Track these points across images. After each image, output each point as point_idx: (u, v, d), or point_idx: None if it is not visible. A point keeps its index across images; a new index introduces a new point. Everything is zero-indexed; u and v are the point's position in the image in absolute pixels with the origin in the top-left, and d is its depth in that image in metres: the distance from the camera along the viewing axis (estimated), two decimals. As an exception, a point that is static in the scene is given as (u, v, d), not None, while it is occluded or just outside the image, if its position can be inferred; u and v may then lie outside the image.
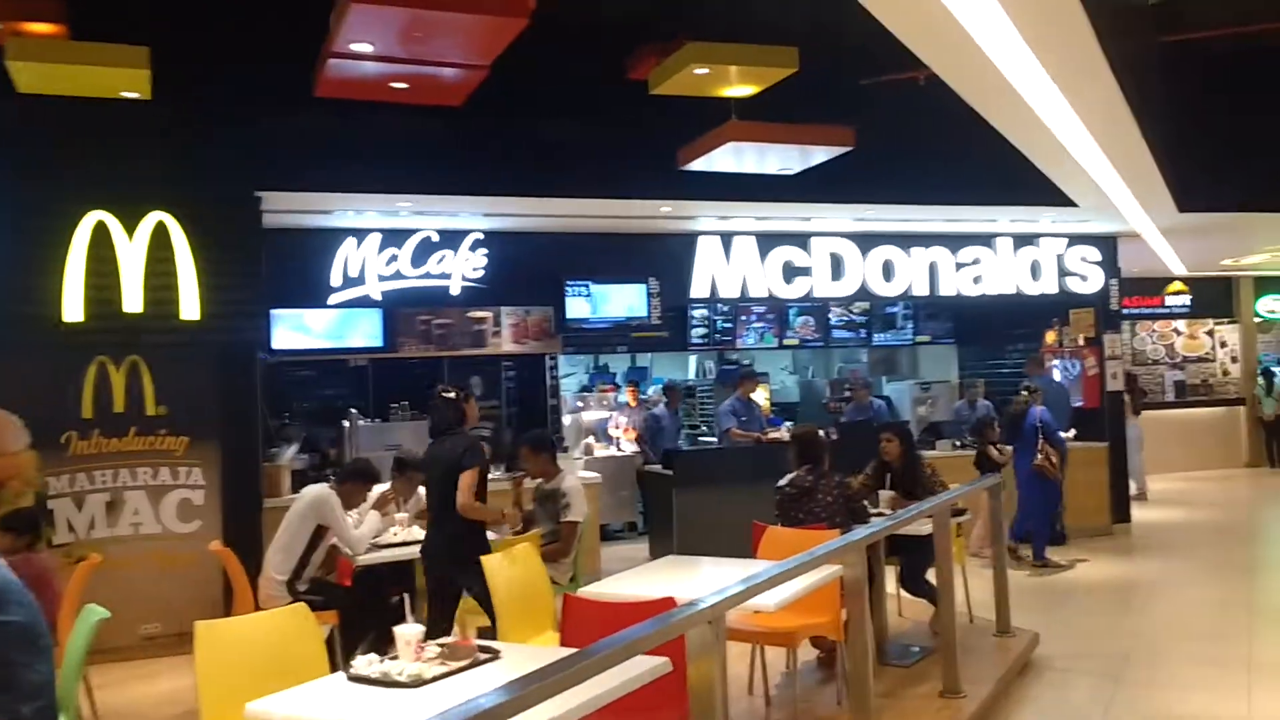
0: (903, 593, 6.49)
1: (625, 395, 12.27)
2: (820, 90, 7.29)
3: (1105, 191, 8.57)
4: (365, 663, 3.24)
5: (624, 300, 9.56)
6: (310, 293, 8.70)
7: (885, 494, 6.31)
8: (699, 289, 9.63)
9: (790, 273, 9.83)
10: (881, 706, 5.02)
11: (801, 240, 9.87)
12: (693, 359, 13.81)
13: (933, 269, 10.23)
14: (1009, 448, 9.09)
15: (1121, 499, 10.76)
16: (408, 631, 3.23)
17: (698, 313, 11.72)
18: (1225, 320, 17.17)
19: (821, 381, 13.89)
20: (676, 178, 7.84)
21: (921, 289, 10.24)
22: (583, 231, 9.29)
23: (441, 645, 3.28)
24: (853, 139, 6.93)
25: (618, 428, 11.51)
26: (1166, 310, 16.83)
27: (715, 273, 9.62)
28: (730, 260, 9.66)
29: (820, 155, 7.18)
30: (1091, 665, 6.11)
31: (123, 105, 6.37)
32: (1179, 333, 17.25)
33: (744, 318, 11.96)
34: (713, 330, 11.88)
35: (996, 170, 8.38)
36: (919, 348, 13.38)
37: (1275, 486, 13.97)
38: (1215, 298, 16.93)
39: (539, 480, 6.36)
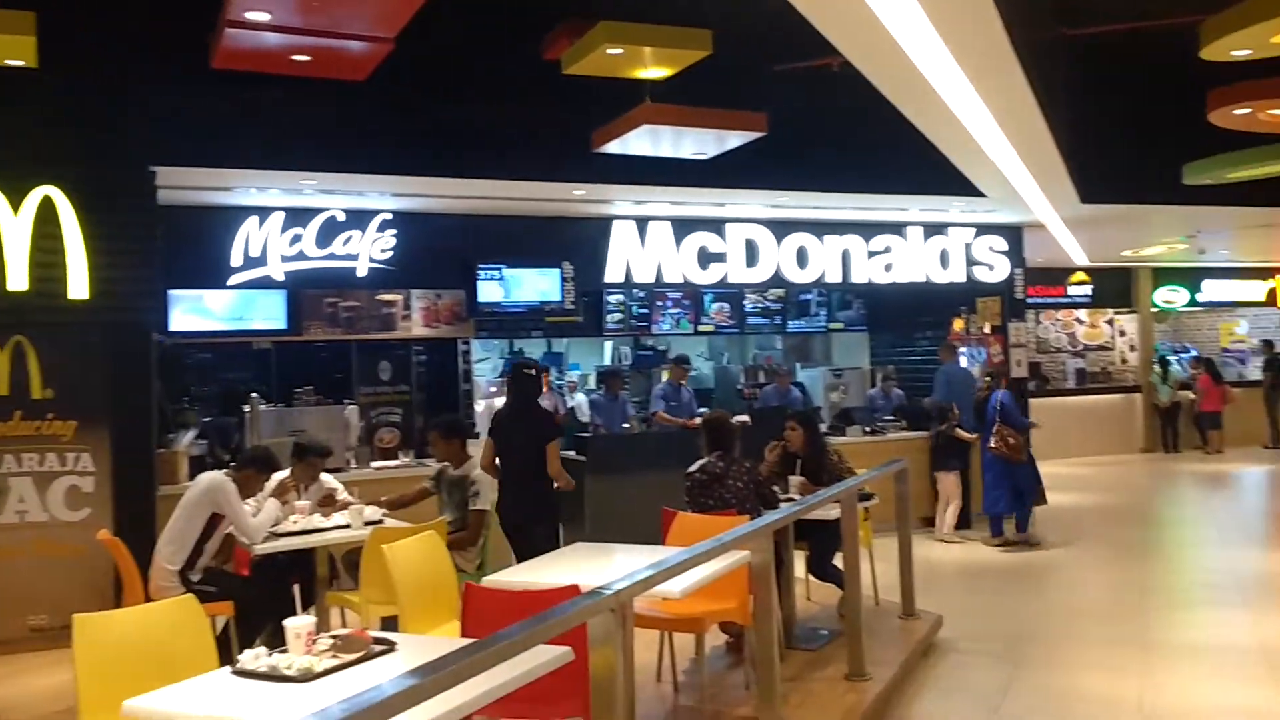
0: (811, 577, 6.54)
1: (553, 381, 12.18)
2: (734, 76, 7.28)
3: (1012, 182, 8.74)
4: (253, 657, 3.10)
5: (538, 284, 9.43)
6: (209, 273, 8.39)
7: (795, 479, 6.33)
8: (614, 274, 9.56)
9: (706, 258, 9.82)
10: (788, 690, 5.03)
11: (717, 226, 9.87)
12: (609, 344, 13.73)
13: (845, 257, 10.33)
14: (975, 434, 9.50)
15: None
16: (298, 623, 3.10)
17: (613, 298, 11.67)
18: (1124, 310, 17.76)
19: (737, 368, 13.95)
20: (590, 160, 7.75)
21: (834, 276, 10.33)
22: (495, 214, 9.15)
23: (335, 637, 3.16)
24: (765, 124, 6.92)
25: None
26: (1069, 300, 17.33)
27: (630, 257, 9.56)
28: (646, 245, 9.61)
29: (734, 140, 7.16)
30: (993, 647, 6.24)
31: (7, 74, 6.04)
32: (1081, 322, 17.78)
33: (660, 303, 11.95)
34: (629, 316, 11.85)
35: (907, 159, 8.49)
36: (832, 335, 13.55)
37: (1169, 471, 14.48)
38: (1115, 288, 17.49)
39: (445, 465, 6.24)
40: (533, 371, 6.75)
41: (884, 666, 5.41)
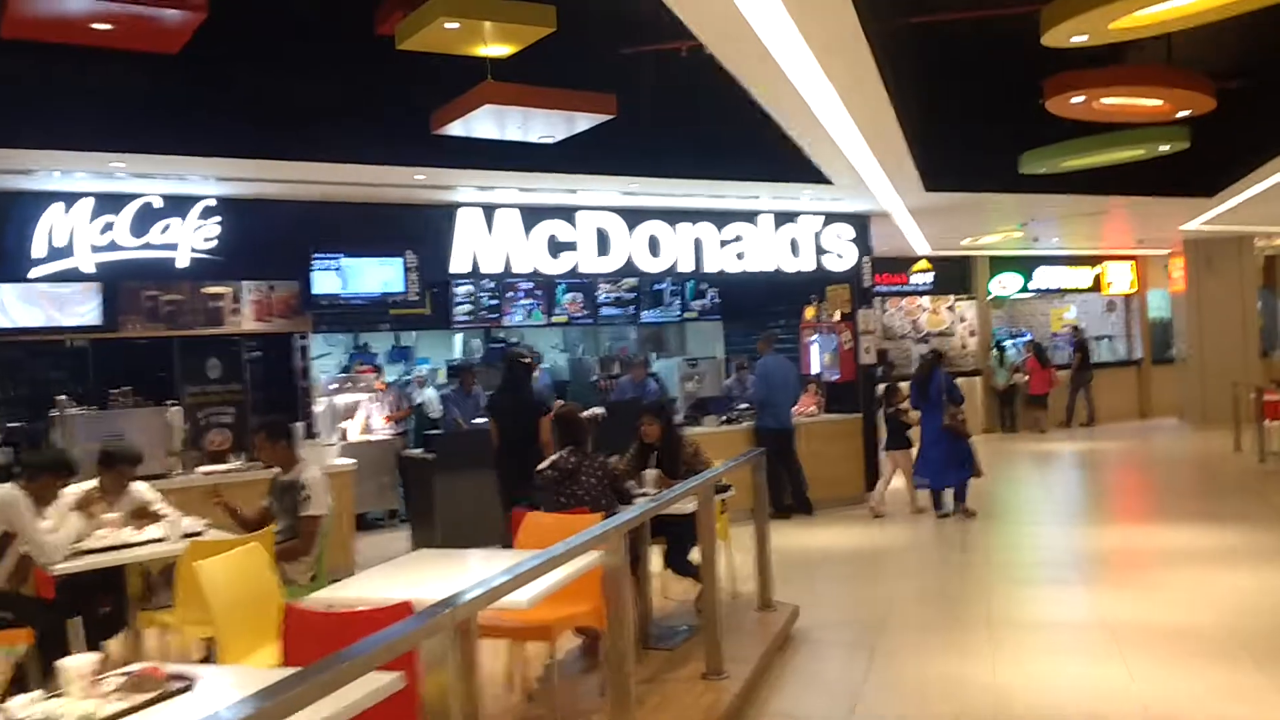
0: (669, 572, 6.38)
1: (385, 378, 11.67)
2: (581, 57, 7.00)
3: (859, 170, 8.79)
4: (24, 702, 2.67)
5: (379, 275, 8.95)
6: (7, 265, 7.60)
7: (650, 473, 6.13)
8: (460, 264, 9.15)
9: (556, 247, 9.53)
10: (645, 693, 4.83)
11: (567, 214, 9.59)
12: (459, 338, 13.29)
13: (698, 245, 10.22)
14: (917, 412, 9.95)
15: (873, 468, 11.18)
16: (74, 664, 2.68)
17: (462, 289, 11.27)
18: (964, 297, 18.38)
19: (592, 359, 13.73)
20: (431, 144, 7.33)
21: (687, 265, 10.20)
22: (330, 200, 8.61)
23: (125, 675, 2.75)
24: (615, 107, 6.68)
25: (369, 413, 10.81)
26: (913, 288, 17.81)
27: (477, 247, 9.17)
28: (493, 234, 9.24)
29: (582, 123, 6.89)
30: (848, 635, 6.21)
31: None
32: (924, 309, 18.30)
33: (511, 294, 11.62)
34: (478, 307, 11.48)
35: (758, 147, 8.40)
36: (686, 324, 13.49)
37: (1008, 451, 14.98)
38: (955, 276, 18.07)
39: (276, 471, 5.78)
40: (526, 360, 8.43)
41: (742, 663, 5.27)
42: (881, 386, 10.62)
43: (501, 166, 8.15)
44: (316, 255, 8.66)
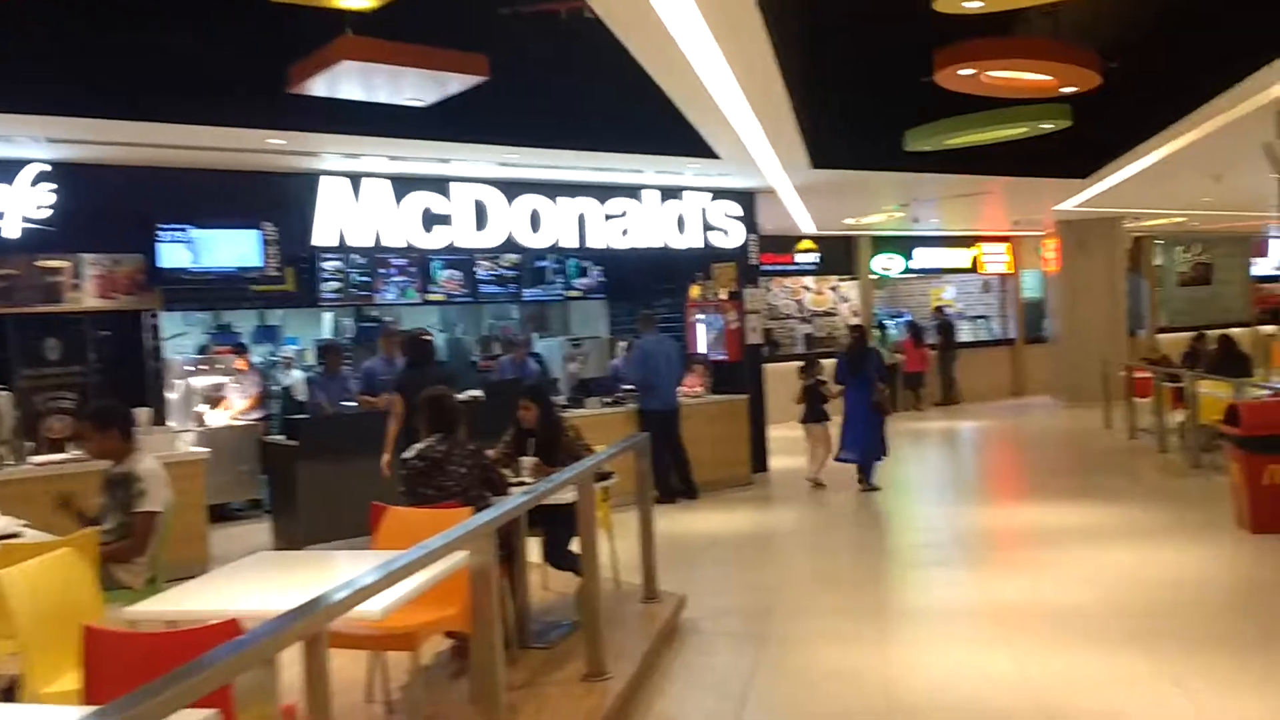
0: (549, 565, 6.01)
1: (252, 359, 10.93)
2: (454, 17, 6.55)
3: (747, 144, 8.54)
4: None
5: (233, 248, 8.28)
6: None
7: (528, 460, 5.75)
8: (324, 236, 8.56)
9: (430, 221, 9.01)
10: (520, 699, 4.48)
11: (441, 185, 9.08)
12: (328, 316, 12.60)
13: (581, 220, 9.84)
14: (840, 386, 10.11)
15: (760, 449, 11.04)
16: None
17: (329, 264, 10.65)
18: (847, 277, 18.47)
19: (472, 339, 13.23)
20: (289, 105, 6.76)
21: (570, 241, 9.81)
22: (178, 166, 7.91)
23: None
24: (486, 67, 6.23)
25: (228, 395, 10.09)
26: (797, 267, 17.80)
27: (343, 219, 8.59)
28: (360, 205, 8.67)
29: (453, 85, 6.41)
30: (737, 625, 5.97)
31: None
32: (808, 289, 18.32)
33: (383, 271, 11.05)
34: (348, 284, 10.87)
35: (643, 117, 8.09)
36: (570, 303, 13.11)
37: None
38: (838, 256, 18.14)
39: (108, 463, 5.18)
40: (429, 338, 8.25)
41: (625, 660, 4.95)
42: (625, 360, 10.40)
43: (369, 132, 7.62)
44: (162, 226, 7.94)
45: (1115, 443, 12.74)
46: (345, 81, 6.23)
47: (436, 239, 9.05)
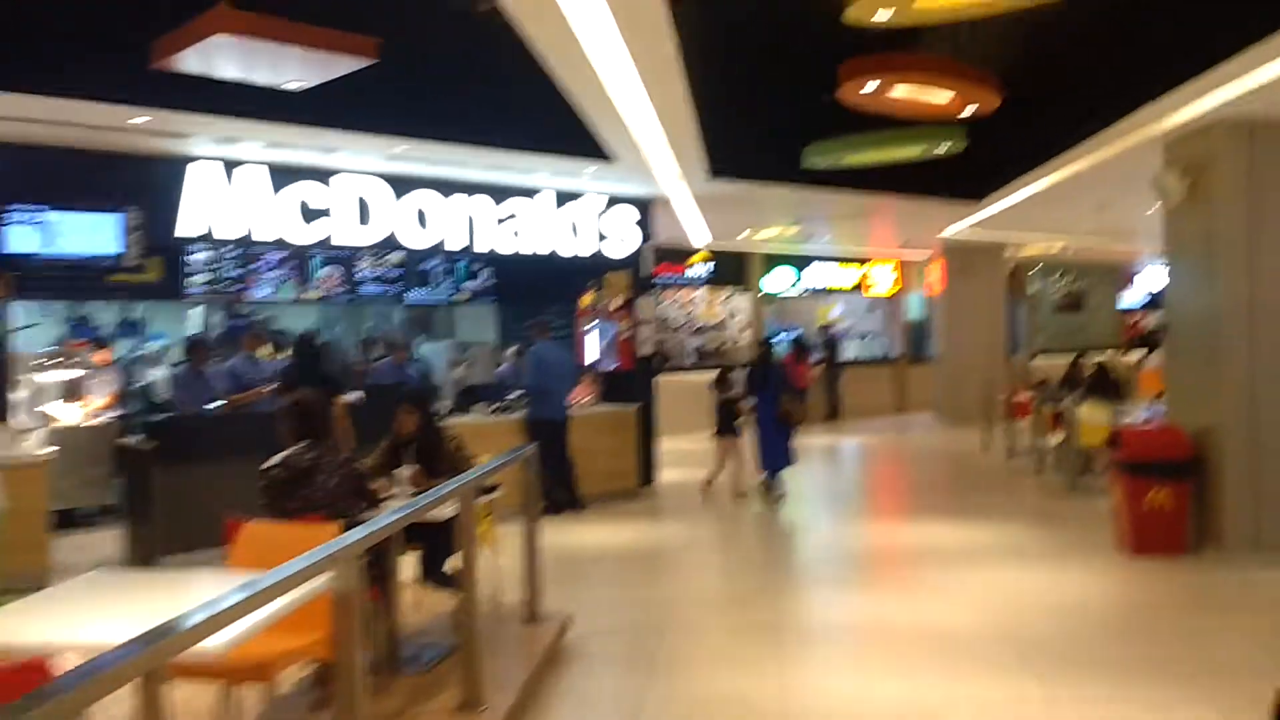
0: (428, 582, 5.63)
1: (110, 353, 10.19)
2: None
3: (645, 149, 8.31)
4: None
5: (90, 234, 7.64)
6: None
7: (405, 471, 5.36)
8: (190, 225, 7.98)
9: (309, 214, 8.51)
10: (389, 733, 4.10)
11: (323, 176, 8.59)
12: (198, 311, 11.88)
13: (471, 221, 9.45)
14: (751, 400, 10.18)
15: (649, 461, 10.82)
16: None
17: (198, 256, 9.97)
18: (738, 291, 18.48)
19: (351, 341, 12.65)
20: (158, 82, 6.22)
21: (458, 242, 9.41)
22: (30, 143, 7.26)
23: None
24: (375, 50, 5.82)
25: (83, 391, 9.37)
26: (689, 279, 17.70)
27: (213, 207, 8.03)
28: (233, 193, 8.12)
29: (338, 67, 5.97)
30: (625, 647, 5.69)
31: None
32: (699, 301, 18.25)
33: (257, 265, 10.41)
34: (218, 278, 10.20)
35: (540, 115, 7.82)
36: (457, 306, 12.67)
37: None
38: (731, 270, 18.12)
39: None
40: (317, 339, 8.37)
41: (505, 688, 4.62)
42: (524, 383, 10.09)
43: (245, 114, 7.12)
44: (9, 207, 7.26)
45: (994, 462, 12.96)
46: (219, 58, 5.74)
47: (314, 233, 8.56)
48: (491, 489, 5.51)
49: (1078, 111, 8.33)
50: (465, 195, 9.36)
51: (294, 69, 6.02)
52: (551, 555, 7.92)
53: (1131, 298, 26.40)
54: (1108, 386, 11.41)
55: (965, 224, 14.16)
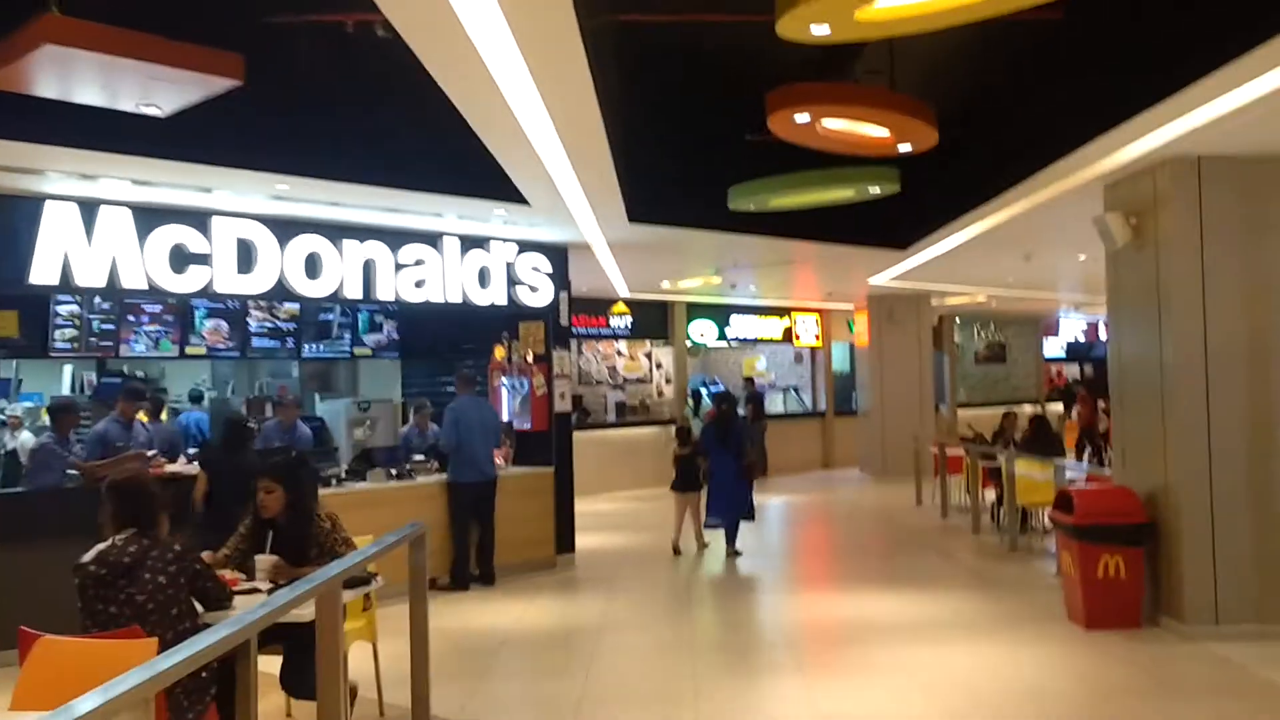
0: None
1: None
2: (211, 21, 5.41)
3: (560, 190, 7.65)
4: None
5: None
6: None
7: (265, 560, 4.53)
8: (44, 273, 7.03)
9: (182, 260, 7.63)
10: None
11: (200, 220, 7.73)
12: (68, 369, 10.82)
13: (369, 268, 8.64)
14: (714, 453, 10.31)
15: (567, 528, 10.03)
16: None
17: (65, 309, 9.02)
18: (661, 343, 17.88)
19: (240, 399, 11.67)
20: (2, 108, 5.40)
21: (354, 291, 8.58)
22: None
23: None
24: (241, 70, 5.07)
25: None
26: (610, 331, 17.06)
27: (71, 252, 7.10)
28: (95, 237, 7.21)
29: (196, 89, 5.19)
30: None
31: None
32: (621, 354, 17.60)
33: (132, 318, 9.47)
34: (87, 332, 9.24)
35: (445, 153, 7.14)
36: (359, 361, 11.80)
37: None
38: (653, 321, 17.54)
39: None
40: (248, 423, 8.06)
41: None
42: (440, 441, 9.29)
43: (106, 148, 6.28)
44: None
45: (928, 521, 12.44)
46: (50, 73, 4.93)
47: (191, 281, 7.67)
48: (367, 580, 4.68)
49: (1012, 153, 7.91)
50: (361, 240, 8.55)
51: (142, 89, 5.22)
52: (452, 641, 7.08)
53: (1052, 349, 26.53)
54: (1045, 441, 10.99)
55: (892, 273, 13.79)
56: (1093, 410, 10.38)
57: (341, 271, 8.45)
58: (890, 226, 10.86)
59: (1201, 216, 6.67)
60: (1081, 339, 27.74)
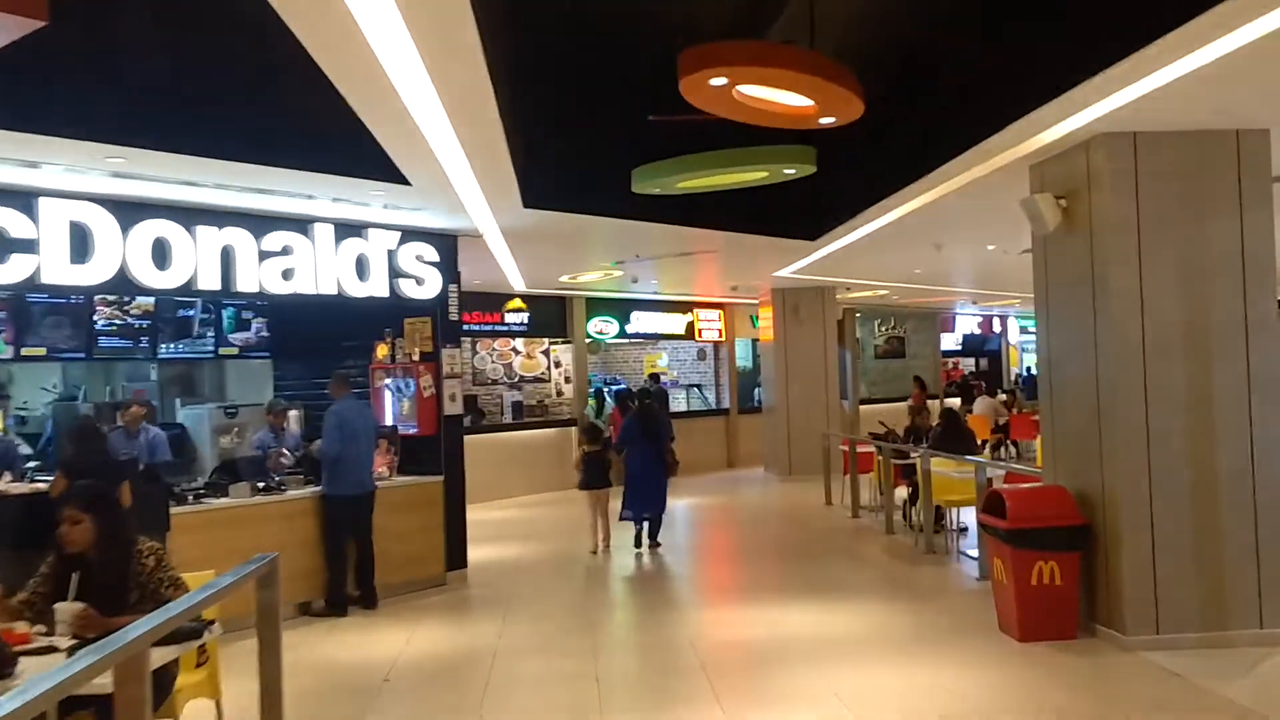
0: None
1: None
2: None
3: (446, 170, 6.84)
4: None
5: None
6: None
7: (66, 607, 3.64)
8: None
9: (4, 245, 6.57)
10: None
11: (24, 200, 6.68)
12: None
13: (228, 257, 7.66)
14: (632, 449, 10.37)
15: (458, 541, 9.20)
16: None
17: None
18: (560, 340, 17.11)
19: (88, 405, 10.48)
20: None
21: (211, 282, 7.58)
22: None
23: None
24: (44, 10, 4.15)
25: None
26: (506, 328, 16.22)
27: None
28: (-110, 217, 6.12)
29: (-11, 29, 4.26)
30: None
31: None
32: (517, 352, 16.78)
33: (-47, 314, 8.29)
34: (-102, 330, 8.03)
35: (315, 125, 6.27)
36: (226, 362, 10.73)
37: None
38: (551, 317, 16.76)
39: None
40: (101, 426, 7.69)
41: None
42: (314, 445, 8.41)
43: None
44: None
45: (839, 521, 11.98)
46: None
47: (10, 271, 6.60)
48: (197, 633, 3.82)
49: (935, 132, 7.41)
50: (215, 227, 7.58)
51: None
52: (328, 676, 6.22)
53: (949, 343, 26.65)
54: (958, 437, 10.61)
55: (801, 264, 13.30)
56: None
57: (195, 260, 7.47)
58: (801, 214, 10.32)
59: (1138, 196, 6.24)
60: (977, 331, 27.98)
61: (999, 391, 22.06)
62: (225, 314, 9.88)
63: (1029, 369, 29.41)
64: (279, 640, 4.10)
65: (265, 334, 10.18)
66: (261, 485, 8.05)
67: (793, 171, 7.53)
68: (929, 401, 15.60)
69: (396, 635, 7.31)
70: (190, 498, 7.63)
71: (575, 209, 8.70)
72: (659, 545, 10.41)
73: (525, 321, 16.30)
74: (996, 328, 28.61)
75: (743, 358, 20.09)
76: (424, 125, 5.81)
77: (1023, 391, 22.92)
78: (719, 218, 9.90)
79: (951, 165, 7.27)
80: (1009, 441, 17.71)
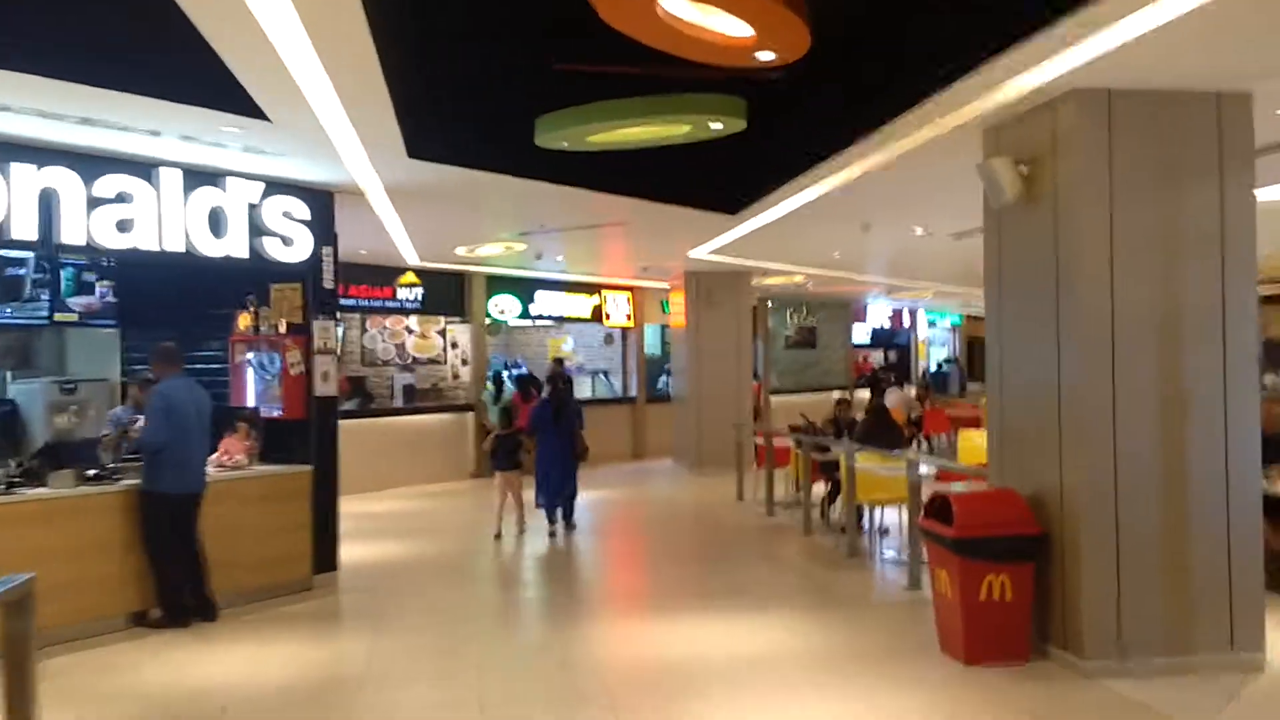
0: None
1: None
2: None
3: (310, 101, 5.73)
4: None
5: None
6: None
7: None
8: None
9: None
10: None
11: None
12: None
13: (49, 201, 6.42)
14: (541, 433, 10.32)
15: (328, 539, 8.09)
16: None
17: None
18: (457, 320, 15.97)
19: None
20: None
21: (25, 231, 6.34)
22: None
23: None
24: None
25: None
26: (399, 304, 15.01)
27: None
28: None
29: None
30: None
31: None
32: (411, 331, 15.59)
33: None
34: None
35: (155, 39, 5.09)
36: (65, 330, 9.35)
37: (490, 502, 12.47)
38: (448, 294, 15.61)
39: None
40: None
41: None
42: (141, 435, 7.25)
43: None
44: None
45: (753, 519, 11.18)
46: None
47: None
48: None
49: (876, 89, 6.56)
50: (34, 166, 6.32)
51: None
52: (154, 707, 5.10)
53: (859, 335, 26.26)
54: (885, 431, 9.89)
55: (716, 244, 12.45)
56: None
57: (7, 203, 6.21)
58: (722, 184, 9.42)
59: (1111, 163, 5.49)
60: (887, 325, 27.69)
61: (906, 385, 21.69)
62: (64, 274, 8.54)
63: (940, 364, 29.31)
64: (32, 684, 3.05)
65: (111, 299, 8.85)
66: (92, 473, 6.82)
67: (719, 126, 6.62)
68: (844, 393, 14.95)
69: (244, 653, 6.20)
70: (1, 486, 6.39)
71: (468, 163, 7.64)
72: (574, 526, 10.52)
73: (419, 298, 15.12)
74: (906, 322, 28.39)
75: (651, 344, 19.21)
76: (281, 44, 4.73)
77: (932, 387, 22.63)
78: (631, 183, 8.92)
79: (896, 125, 6.45)
80: (922, 436, 17.26)
